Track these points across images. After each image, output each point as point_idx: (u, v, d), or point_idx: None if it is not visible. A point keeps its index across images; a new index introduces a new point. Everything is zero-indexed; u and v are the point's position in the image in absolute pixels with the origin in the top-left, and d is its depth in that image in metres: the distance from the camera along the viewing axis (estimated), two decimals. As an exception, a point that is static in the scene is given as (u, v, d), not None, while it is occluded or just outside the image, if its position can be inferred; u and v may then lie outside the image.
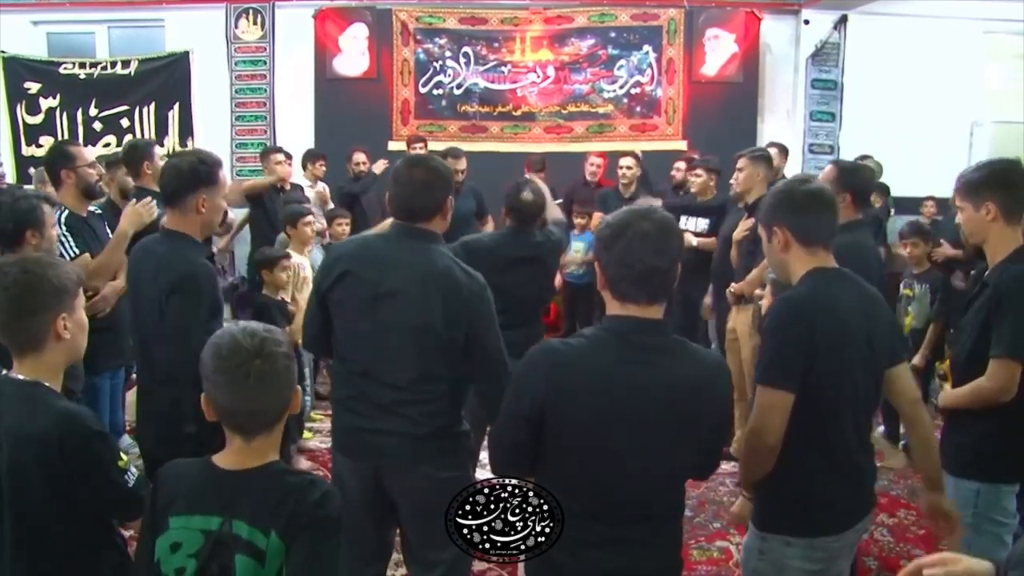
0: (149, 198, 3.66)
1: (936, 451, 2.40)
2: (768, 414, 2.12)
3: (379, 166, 6.89)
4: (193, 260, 2.72)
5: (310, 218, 5.04)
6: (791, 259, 2.25)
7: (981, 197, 2.62)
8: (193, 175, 2.75)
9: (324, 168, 7.00)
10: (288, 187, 6.53)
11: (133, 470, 1.94)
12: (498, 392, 2.18)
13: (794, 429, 2.11)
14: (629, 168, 6.58)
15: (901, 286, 4.80)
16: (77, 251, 3.62)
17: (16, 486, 1.83)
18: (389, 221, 2.64)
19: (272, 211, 6.12)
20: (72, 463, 1.84)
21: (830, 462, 2.19)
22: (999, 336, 2.53)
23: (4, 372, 2.00)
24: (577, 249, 6.51)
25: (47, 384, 1.94)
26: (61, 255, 3.55)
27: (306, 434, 5.08)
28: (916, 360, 4.84)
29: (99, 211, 4.09)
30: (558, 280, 7.15)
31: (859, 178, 3.69)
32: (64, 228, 3.65)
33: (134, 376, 4.24)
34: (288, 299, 4.62)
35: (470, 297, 2.45)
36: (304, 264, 4.87)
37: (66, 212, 3.75)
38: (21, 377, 1.92)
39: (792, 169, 6.94)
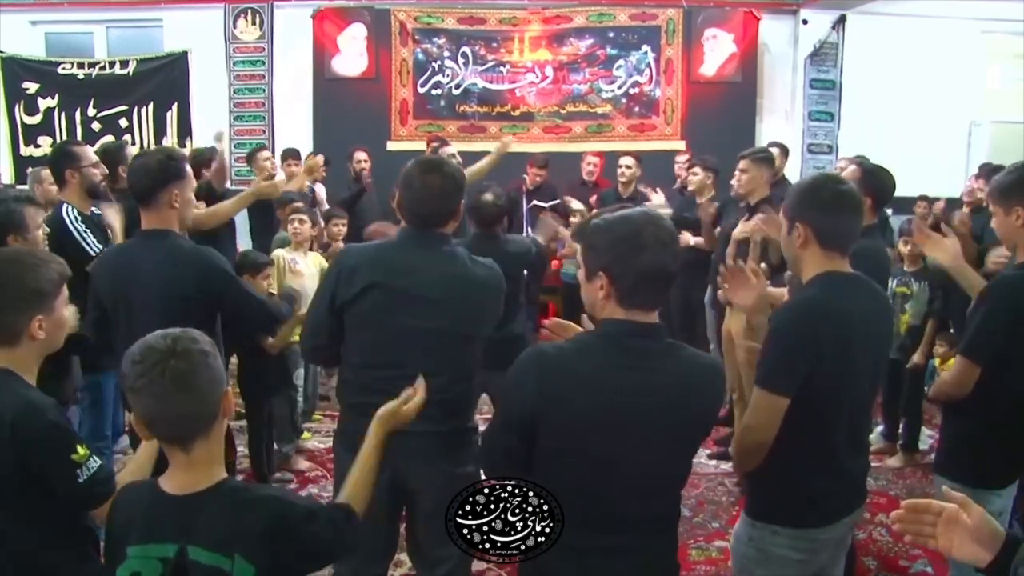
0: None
1: None
2: (762, 415, 2.13)
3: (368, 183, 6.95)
4: (202, 250, 2.84)
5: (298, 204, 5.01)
6: (806, 257, 2.22)
7: (1010, 202, 2.56)
8: (163, 171, 2.77)
9: (324, 172, 7.01)
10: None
11: (93, 462, 1.90)
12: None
13: (787, 426, 2.11)
14: (628, 168, 6.58)
15: (892, 284, 4.80)
16: (100, 247, 3.62)
17: None
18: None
19: (269, 209, 6.10)
20: (24, 449, 1.83)
21: (818, 460, 2.20)
22: (966, 334, 2.55)
23: None
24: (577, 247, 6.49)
25: (18, 373, 1.93)
26: (85, 251, 3.54)
27: (305, 434, 5.07)
28: (916, 358, 4.83)
29: (99, 212, 4.09)
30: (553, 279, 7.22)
31: (882, 181, 3.64)
32: (82, 225, 3.65)
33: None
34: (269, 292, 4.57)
35: (492, 294, 2.54)
36: (296, 259, 4.82)
37: (75, 209, 3.74)
38: None
39: (791, 169, 6.94)
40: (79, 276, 2.50)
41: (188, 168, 2.88)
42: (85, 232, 3.63)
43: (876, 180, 3.57)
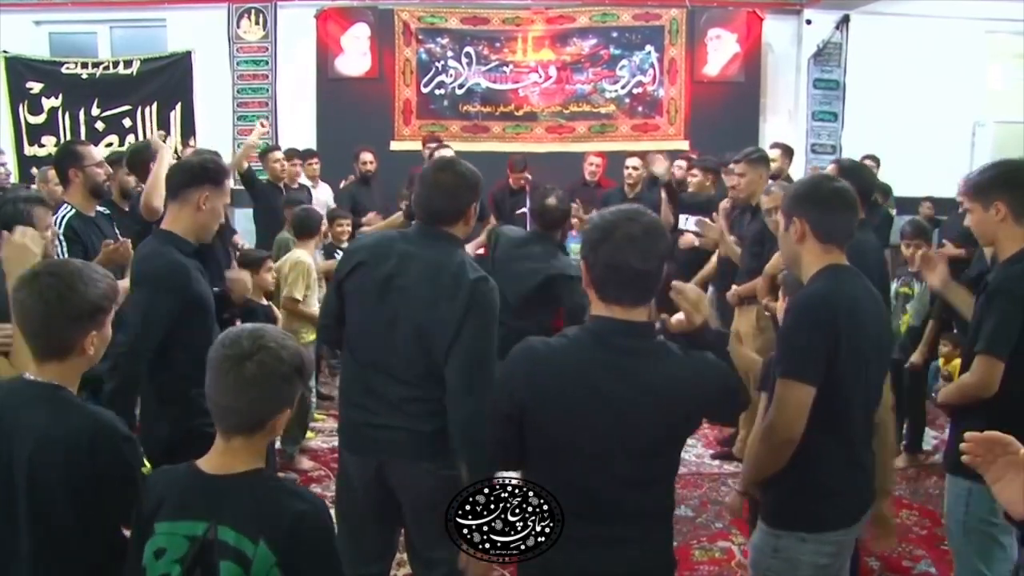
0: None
1: (891, 458, 2.61)
2: (789, 408, 2.13)
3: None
4: (165, 256, 2.70)
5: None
6: (804, 252, 2.27)
7: (990, 198, 2.62)
8: (203, 171, 2.79)
9: (318, 167, 7.02)
10: (296, 186, 6.59)
11: None
12: (465, 424, 2.30)
13: (811, 424, 2.13)
14: (635, 168, 6.58)
15: (895, 284, 4.80)
16: (66, 257, 3.62)
17: (36, 488, 1.81)
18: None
19: (273, 209, 6.12)
20: (100, 465, 1.82)
21: (844, 457, 2.23)
22: (983, 333, 2.55)
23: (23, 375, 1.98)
24: (575, 251, 6.52)
25: (68, 388, 1.92)
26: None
27: (308, 434, 5.07)
28: (915, 358, 4.82)
29: (107, 211, 4.10)
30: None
31: (861, 177, 3.68)
32: (66, 231, 3.65)
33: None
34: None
35: (475, 296, 2.41)
36: (312, 264, 4.84)
37: (72, 213, 3.74)
38: (41, 380, 1.90)
39: (794, 169, 6.93)
40: None
41: (228, 182, 2.91)
42: (61, 241, 3.61)
43: (854, 176, 3.58)
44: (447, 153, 5.84)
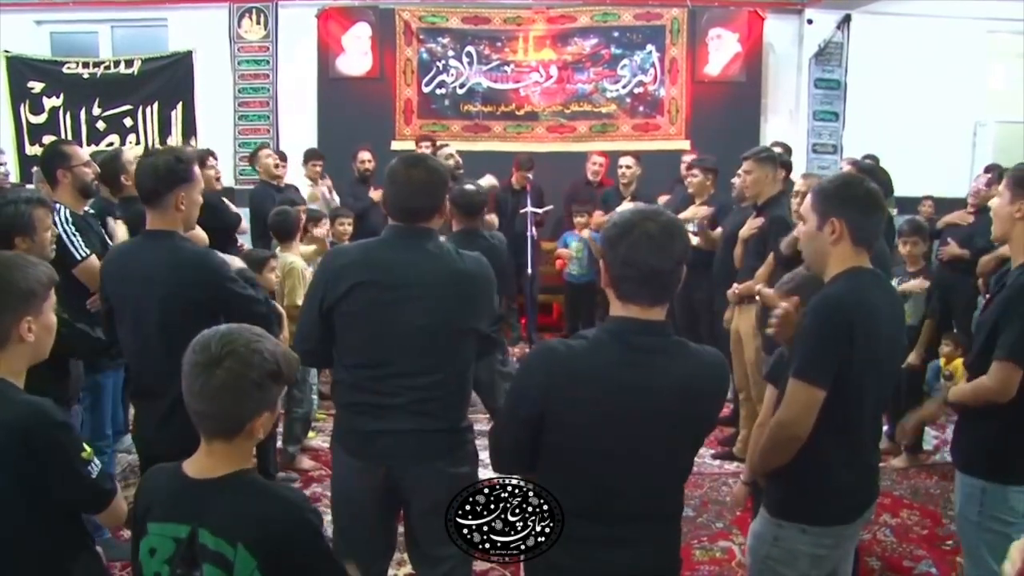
0: None
1: None
2: (799, 408, 2.15)
3: (376, 194, 6.92)
4: (202, 251, 2.84)
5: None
6: (835, 253, 2.24)
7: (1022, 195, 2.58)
8: (171, 173, 2.76)
9: (320, 167, 7.02)
10: (282, 186, 6.58)
11: (96, 462, 1.93)
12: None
13: (819, 422, 2.14)
14: (629, 168, 6.61)
15: (894, 284, 4.79)
16: (87, 251, 3.62)
17: None
18: None
19: (269, 211, 6.10)
20: (37, 454, 1.83)
21: (850, 455, 2.24)
22: (1003, 339, 2.52)
23: None
24: (577, 248, 6.55)
25: (8, 380, 1.91)
26: (71, 254, 3.56)
27: (309, 434, 5.07)
28: (912, 358, 4.81)
29: (92, 211, 4.09)
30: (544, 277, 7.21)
31: (878, 179, 3.69)
32: (72, 227, 3.65)
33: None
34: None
35: (483, 287, 2.54)
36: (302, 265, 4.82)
37: (68, 211, 3.74)
38: None
39: (796, 169, 6.92)
40: (64, 278, 2.51)
41: (196, 171, 2.89)
42: (74, 235, 3.62)
43: (874, 178, 3.58)
44: (451, 151, 5.90)
